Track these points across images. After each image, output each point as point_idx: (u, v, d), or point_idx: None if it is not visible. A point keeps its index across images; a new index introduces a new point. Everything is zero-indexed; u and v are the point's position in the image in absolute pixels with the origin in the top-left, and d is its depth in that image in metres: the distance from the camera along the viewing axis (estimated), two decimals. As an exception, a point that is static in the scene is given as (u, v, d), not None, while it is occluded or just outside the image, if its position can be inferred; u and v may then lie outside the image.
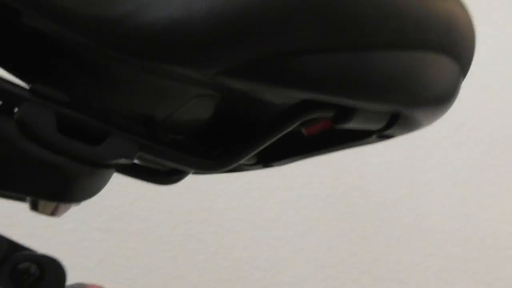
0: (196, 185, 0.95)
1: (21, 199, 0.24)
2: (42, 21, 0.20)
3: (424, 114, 0.23)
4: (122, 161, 0.22)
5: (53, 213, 0.23)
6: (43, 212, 0.22)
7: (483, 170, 0.99)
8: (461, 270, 0.94)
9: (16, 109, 0.20)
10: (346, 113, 0.23)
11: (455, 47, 0.22)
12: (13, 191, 0.21)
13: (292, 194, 0.95)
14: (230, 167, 0.25)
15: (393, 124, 0.23)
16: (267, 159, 0.37)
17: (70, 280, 0.24)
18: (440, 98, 0.22)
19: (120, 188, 0.93)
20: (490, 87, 1.03)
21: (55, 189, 0.21)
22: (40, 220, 0.24)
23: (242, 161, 0.26)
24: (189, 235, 0.94)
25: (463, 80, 0.23)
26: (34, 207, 0.23)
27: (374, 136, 0.26)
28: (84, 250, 0.89)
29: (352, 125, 0.24)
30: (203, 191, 0.95)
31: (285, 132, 0.25)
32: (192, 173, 0.36)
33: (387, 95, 0.21)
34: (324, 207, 0.95)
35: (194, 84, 0.27)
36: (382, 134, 0.26)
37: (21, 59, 0.22)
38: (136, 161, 0.31)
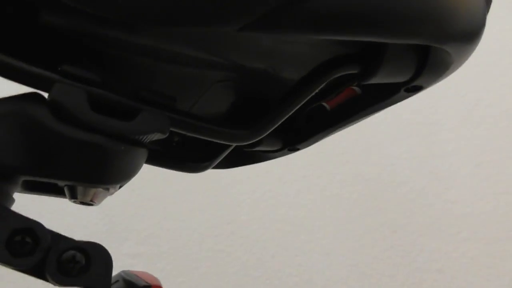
0: (218, 199, 0.94)
1: (59, 192, 0.24)
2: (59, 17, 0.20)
3: (455, 50, 0.22)
4: (157, 136, 0.22)
5: (92, 199, 0.23)
6: (83, 199, 0.22)
7: (504, 146, 0.97)
8: (499, 251, 0.92)
9: (47, 95, 0.20)
10: (372, 64, 0.23)
11: None
12: (53, 178, 0.21)
13: (315, 196, 0.94)
14: (263, 135, 0.25)
15: (422, 69, 0.23)
16: (292, 143, 0.37)
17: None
18: (470, 30, 0.22)
19: (144, 211, 0.93)
20: (500, 63, 1.02)
21: (93, 170, 0.21)
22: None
23: (274, 127, 0.25)
24: (218, 250, 0.93)
25: (487, 14, 0.23)
26: (73, 195, 0.22)
27: (402, 90, 0.26)
28: (115, 277, 0.89)
29: (379, 78, 0.24)
30: (226, 205, 0.94)
31: (313, 93, 0.25)
32: (215, 168, 0.35)
33: (417, 27, 0.20)
34: (349, 205, 0.94)
35: (213, 68, 0.27)
36: (410, 86, 0.25)
37: (45, 51, 0.22)
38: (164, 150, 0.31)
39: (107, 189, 0.23)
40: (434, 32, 0.21)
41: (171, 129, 0.22)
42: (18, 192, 0.23)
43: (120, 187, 0.25)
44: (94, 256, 0.22)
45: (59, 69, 0.20)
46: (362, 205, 0.94)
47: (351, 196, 0.94)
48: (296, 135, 0.36)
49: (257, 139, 0.25)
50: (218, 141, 0.25)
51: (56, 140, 0.20)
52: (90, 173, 0.21)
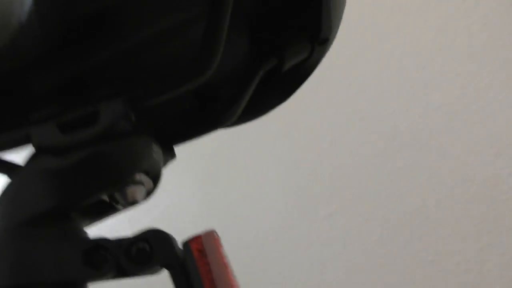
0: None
1: (112, 208, 0.27)
2: None
3: None
4: (126, 120, 0.24)
5: (134, 198, 0.25)
6: (127, 201, 0.25)
7: None
8: None
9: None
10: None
11: None
12: (84, 197, 0.24)
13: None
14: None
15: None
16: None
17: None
18: None
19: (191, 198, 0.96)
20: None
21: (102, 176, 0.24)
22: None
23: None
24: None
25: None
26: (116, 202, 0.26)
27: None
28: None
29: None
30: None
31: None
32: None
33: None
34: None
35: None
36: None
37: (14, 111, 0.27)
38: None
39: (140, 184, 0.25)
40: None
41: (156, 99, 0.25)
42: (89, 223, 0.27)
43: (157, 180, 0.26)
44: (154, 239, 0.25)
45: (29, 121, 0.24)
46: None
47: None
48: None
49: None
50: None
51: (60, 172, 0.24)
52: (104, 179, 0.24)
